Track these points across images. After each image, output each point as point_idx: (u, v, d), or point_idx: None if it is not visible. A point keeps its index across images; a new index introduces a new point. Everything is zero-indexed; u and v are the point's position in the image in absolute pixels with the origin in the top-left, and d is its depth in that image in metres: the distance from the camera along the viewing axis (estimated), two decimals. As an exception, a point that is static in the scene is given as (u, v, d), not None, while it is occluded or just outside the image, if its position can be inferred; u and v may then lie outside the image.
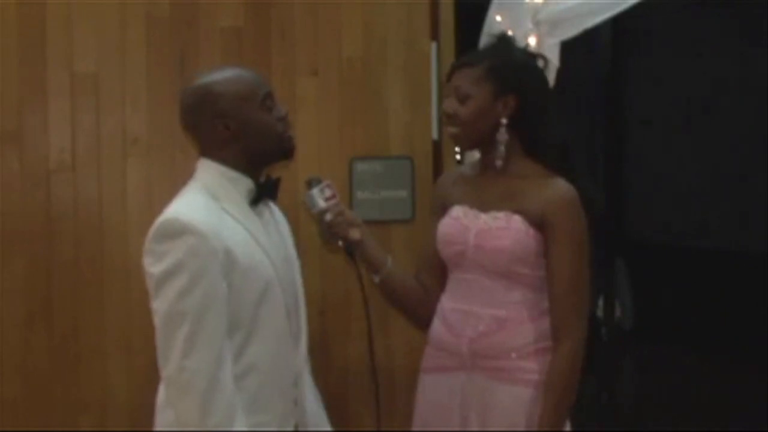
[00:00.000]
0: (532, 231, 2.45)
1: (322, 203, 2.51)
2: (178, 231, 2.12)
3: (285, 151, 2.33)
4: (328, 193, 2.52)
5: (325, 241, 2.70)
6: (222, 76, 2.29)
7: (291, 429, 2.31)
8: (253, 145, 2.26)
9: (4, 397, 3.10)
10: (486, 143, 2.53)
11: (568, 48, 3.10)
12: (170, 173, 3.15)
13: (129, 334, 3.15)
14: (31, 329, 3.12)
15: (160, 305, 2.14)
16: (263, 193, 2.32)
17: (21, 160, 3.13)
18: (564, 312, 2.44)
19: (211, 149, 2.28)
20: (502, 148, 2.49)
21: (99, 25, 3.16)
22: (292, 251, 2.42)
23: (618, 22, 3.55)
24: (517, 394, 2.43)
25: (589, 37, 3.30)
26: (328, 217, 2.51)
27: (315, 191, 2.51)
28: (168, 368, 2.13)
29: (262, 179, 2.33)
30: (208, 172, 2.27)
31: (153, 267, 2.14)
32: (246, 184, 2.28)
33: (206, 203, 2.21)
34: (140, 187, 3.15)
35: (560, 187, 2.47)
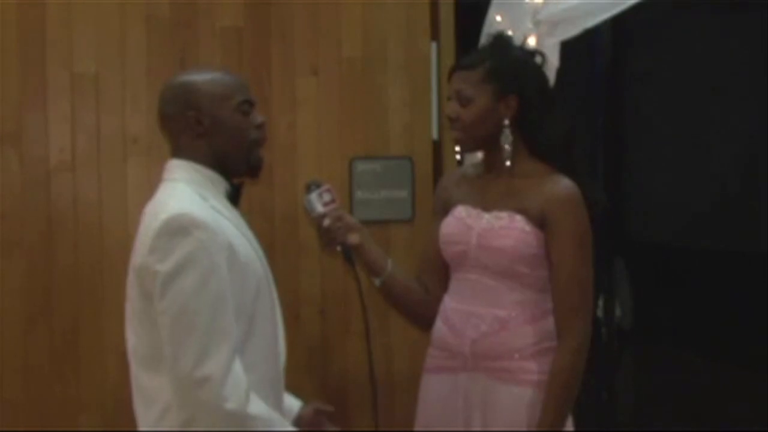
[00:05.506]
0: (534, 230, 2.45)
1: (320, 208, 2.49)
2: (187, 227, 2.08)
3: (252, 162, 2.29)
4: (327, 197, 2.49)
5: (324, 246, 2.68)
6: (202, 74, 2.29)
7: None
8: (222, 145, 2.23)
9: (4, 397, 3.10)
10: (490, 145, 2.52)
11: (568, 48, 3.10)
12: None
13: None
14: (31, 329, 3.12)
15: (170, 304, 2.07)
16: (239, 193, 2.30)
17: (21, 160, 3.13)
18: (566, 310, 2.44)
19: (183, 148, 2.25)
20: (508, 150, 2.48)
21: (99, 25, 3.16)
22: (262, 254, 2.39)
23: (618, 22, 3.54)
24: (519, 395, 2.43)
25: (589, 37, 3.29)
26: (327, 222, 2.49)
27: (314, 196, 2.49)
28: (181, 367, 2.06)
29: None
30: (187, 171, 2.23)
31: (159, 264, 2.08)
32: (223, 184, 2.26)
33: (200, 200, 2.18)
34: (140, 187, 3.13)
35: (561, 184, 2.46)
